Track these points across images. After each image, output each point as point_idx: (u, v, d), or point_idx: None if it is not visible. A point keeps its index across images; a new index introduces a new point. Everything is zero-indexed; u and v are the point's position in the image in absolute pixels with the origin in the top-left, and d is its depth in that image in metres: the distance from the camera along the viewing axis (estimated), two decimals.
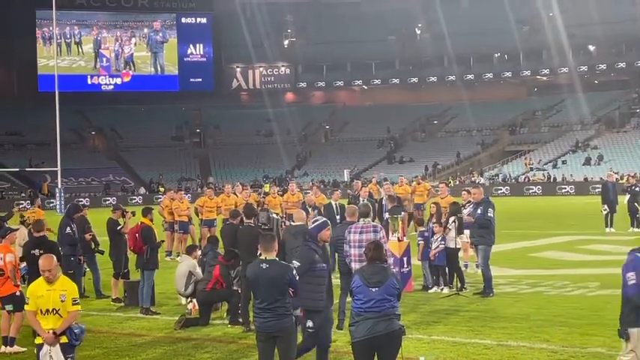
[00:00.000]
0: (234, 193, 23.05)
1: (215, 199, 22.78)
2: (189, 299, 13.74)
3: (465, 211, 15.62)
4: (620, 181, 43.41)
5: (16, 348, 11.11)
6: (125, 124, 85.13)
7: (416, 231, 17.11)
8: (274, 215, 15.12)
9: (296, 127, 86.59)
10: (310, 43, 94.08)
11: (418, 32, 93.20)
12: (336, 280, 11.90)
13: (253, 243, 10.96)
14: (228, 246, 13.28)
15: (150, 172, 75.78)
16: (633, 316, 8.31)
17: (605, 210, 26.20)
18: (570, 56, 79.71)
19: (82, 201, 38.15)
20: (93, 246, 15.86)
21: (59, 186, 54.15)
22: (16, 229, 14.54)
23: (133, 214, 15.63)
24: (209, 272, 13.09)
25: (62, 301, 7.79)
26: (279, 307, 8.04)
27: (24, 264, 13.14)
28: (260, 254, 8.44)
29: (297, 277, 8.85)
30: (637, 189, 26.47)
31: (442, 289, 14.89)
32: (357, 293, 7.59)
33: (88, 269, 15.97)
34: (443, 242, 14.99)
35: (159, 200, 55.36)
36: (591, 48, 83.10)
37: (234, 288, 12.86)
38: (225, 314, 13.09)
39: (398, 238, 14.90)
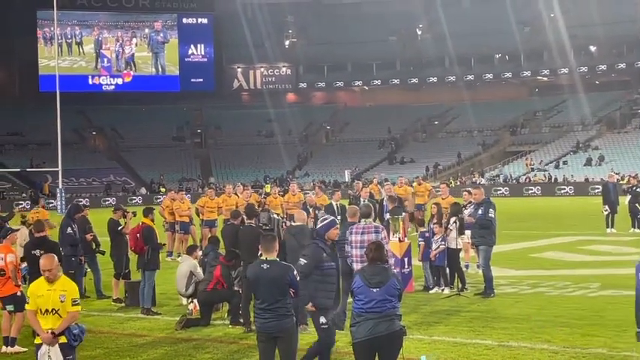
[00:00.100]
0: (235, 194, 23.05)
1: (216, 200, 22.77)
2: (190, 300, 13.74)
3: (466, 212, 15.61)
4: (621, 182, 43.46)
5: (17, 348, 11.12)
6: (126, 125, 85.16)
7: (417, 231, 17.10)
8: (275, 216, 15.14)
9: (297, 127, 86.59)
10: (311, 44, 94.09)
11: (419, 33, 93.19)
12: None
13: (254, 243, 10.95)
14: (229, 246, 13.28)
15: (151, 172, 75.79)
16: None
17: (606, 211, 26.18)
18: (571, 57, 79.68)
19: (81, 201, 38.16)
20: (94, 246, 15.87)
21: (60, 186, 54.18)
22: (17, 230, 14.58)
23: (134, 214, 15.64)
24: (210, 273, 13.09)
25: (62, 301, 7.78)
26: (280, 308, 8.04)
27: (25, 264, 13.16)
28: (261, 254, 8.45)
29: (304, 276, 8.85)
30: (638, 189, 26.42)
31: (443, 290, 14.88)
32: (358, 294, 7.59)
33: (88, 269, 15.98)
34: (443, 243, 14.99)
35: (158, 200, 55.49)
36: (592, 49, 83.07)
37: (235, 288, 12.86)
38: (226, 315, 13.09)
39: (399, 238, 14.91)
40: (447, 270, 15.13)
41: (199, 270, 13.80)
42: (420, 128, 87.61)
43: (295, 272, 8.26)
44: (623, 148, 69.65)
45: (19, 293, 11.28)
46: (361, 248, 10.31)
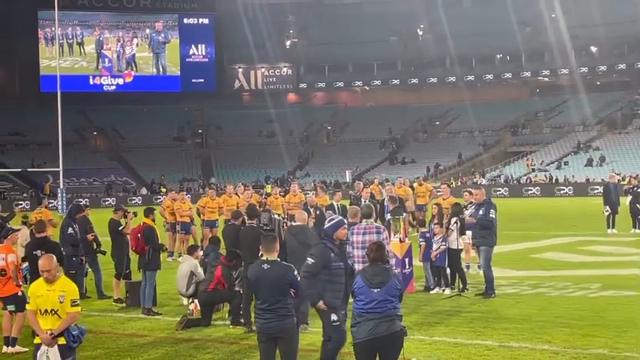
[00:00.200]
0: (236, 194, 23.05)
1: (217, 200, 22.77)
2: (190, 300, 13.75)
3: (467, 212, 15.61)
4: (622, 183, 43.43)
5: (17, 348, 11.12)
6: (127, 125, 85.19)
7: (417, 232, 17.10)
8: (276, 216, 15.13)
9: (298, 127, 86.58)
10: (312, 44, 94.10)
11: (420, 33, 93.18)
12: None
13: (255, 244, 10.94)
14: (229, 246, 13.29)
15: (152, 172, 75.81)
16: None
17: (607, 211, 26.18)
18: (572, 57, 79.64)
19: (81, 201, 38.16)
20: (95, 246, 15.87)
21: (61, 186, 54.17)
22: (18, 230, 14.57)
23: (135, 214, 15.64)
24: (211, 273, 13.09)
25: (61, 302, 7.76)
26: (281, 308, 8.04)
27: (26, 264, 13.17)
28: (261, 255, 8.45)
29: (312, 276, 8.84)
30: (639, 190, 26.42)
31: (444, 290, 14.88)
32: (359, 294, 7.60)
33: (89, 270, 15.98)
34: (444, 243, 14.99)
35: (158, 201, 55.48)
36: (593, 49, 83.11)
37: (236, 289, 12.86)
38: (226, 315, 13.09)
39: (400, 239, 14.92)
40: (448, 270, 15.13)
41: (200, 270, 13.80)
42: (420, 128, 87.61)
43: (296, 272, 8.26)
44: (624, 149, 69.64)
45: (20, 293, 11.28)
46: (362, 249, 10.31)
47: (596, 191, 53.48)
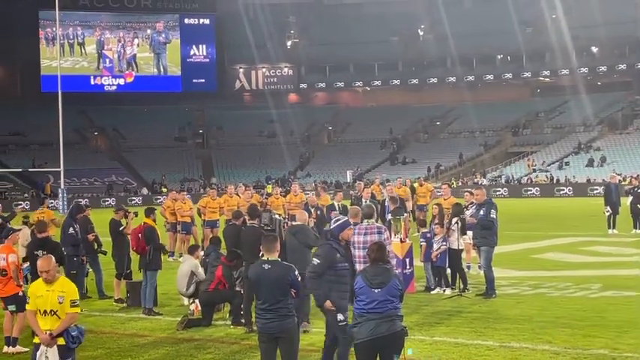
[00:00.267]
0: (237, 194, 23.05)
1: (218, 200, 22.77)
2: (191, 300, 13.75)
3: (468, 213, 15.61)
4: (623, 183, 43.42)
5: (18, 348, 11.13)
6: (128, 125, 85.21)
7: (418, 232, 17.11)
8: (277, 216, 15.11)
9: (299, 128, 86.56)
10: (313, 44, 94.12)
11: (421, 33, 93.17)
12: None
13: (257, 244, 10.93)
14: (230, 247, 13.29)
15: (152, 172, 75.85)
16: None
17: (607, 211, 26.17)
18: (573, 58, 79.59)
19: (81, 201, 38.11)
20: (96, 246, 15.87)
21: (62, 186, 54.19)
22: (19, 230, 14.57)
23: (136, 214, 15.63)
24: (212, 273, 13.09)
25: (60, 302, 7.75)
26: (282, 308, 8.04)
27: (27, 264, 13.17)
28: (262, 255, 8.45)
29: (317, 276, 8.83)
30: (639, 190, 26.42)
31: (444, 291, 14.88)
32: (360, 294, 7.60)
33: (90, 270, 15.99)
34: (444, 243, 14.99)
35: (158, 201, 55.47)
36: (594, 49, 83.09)
37: (237, 289, 12.86)
38: (227, 315, 13.09)
39: (400, 239, 14.91)
40: (449, 271, 15.13)
41: (200, 270, 13.80)
42: (421, 129, 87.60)
43: (297, 272, 8.25)
44: (625, 149, 69.65)
45: (20, 293, 11.28)
46: (364, 249, 10.29)
47: (595, 192, 53.57)
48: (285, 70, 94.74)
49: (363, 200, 19.85)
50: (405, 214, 21.08)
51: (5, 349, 11.19)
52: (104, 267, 16.16)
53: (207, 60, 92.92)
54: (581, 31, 77.45)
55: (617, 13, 77.26)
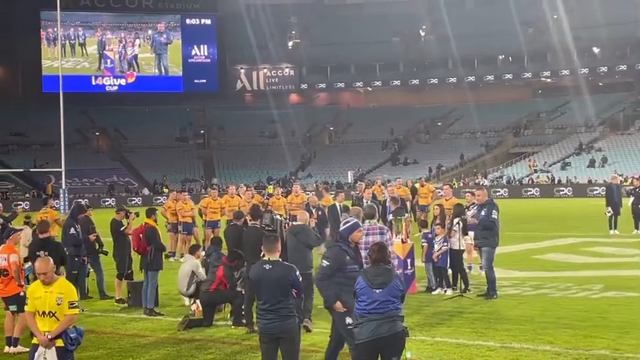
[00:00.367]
0: (238, 195, 23.05)
1: (219, 200, 22.77)
2: (192, 300, 13.75)
3: (469, 213, 15.59)
4: (624, 184, 43.40)
5: (19, 348, 11.12)
6: (129, 125, 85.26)
7: (420, 232, 17.10)
8: (278, 216, 15.13)
9: (300, 128, 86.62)
10: (314, 45, 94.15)
11: (422, 34, 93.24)
12: None
13: (258, 244, 10.94)
14: (231, 247, 13.29)
15: (154, 173, 75.89)
16: None
17: (609, 212, 26.14)
18: (575, 58, 79.60)
19: (81, 201, 38.10)
20: (97, 246, 15.87)
21: (63, 187, 54.19)
22: (20, 230, 14.57)
23: (137, 214, 15.63)
24: (213, 273, 13.09)
25: (58, 304, 7.71)
26: (283, 309, 8.04)
27: (28, 264, 13.17)
28: (263, 255, 8.45)
29: (327, 278, 8.81)
30: None
31: (446, 291, 14.87)
32: (361, 295, 7.59)
33: (91, 270, 15.99)
34: (445, 244, 14.98)
35: (158, 201, 55.49)
36: (596, 50, 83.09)
37: (238, 289, 12.86)
38: (228, 315, 13.09)
39: (402, 239, 14.91)
40: (450, 271, 15.13)
41: (201, 270, 13.80)
42: (423, 129, 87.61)
43: (298, 273, 8.25)
44: (627, 150, 69.63)
45: (22, 293, 11.26)
46: (365, 249, 10.27)
47: (595, 192, 53.60)
48: (287, 70, 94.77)
49: (364, 201, 19.87)
50: (407, 215, 21.08)
51: (6, 349, 11.20)
52: (105, 267, 16.16)
53: (209, 60, 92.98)
54: (582, 31, 77.47)
55: (618, 13, 77.30)
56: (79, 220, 15.24)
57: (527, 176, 67.78)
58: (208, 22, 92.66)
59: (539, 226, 31.31)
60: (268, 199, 24.11)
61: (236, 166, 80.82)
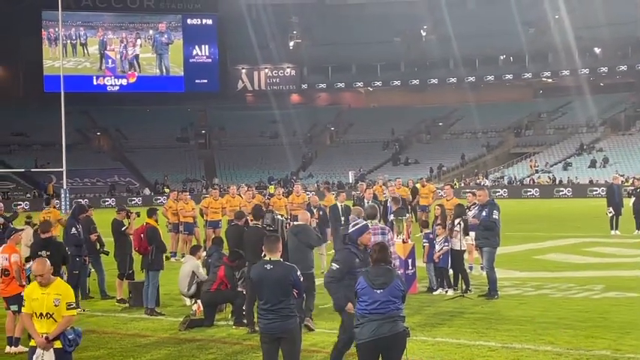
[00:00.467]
0: (239, 195, 23.06)
1: (220, 200, 22.78)
2: (193, 300, 13.75)
3: (470, 213, 15.59)
4: (626, 184, 43.37)
5: (20, 348, 11.13)
6: (130, 125, 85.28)
7: (421, 232, 17.12)
8: (279, 217, 15.14)
9: (301, 128, 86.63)
10: (315, 45, 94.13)
11: (423, 34, 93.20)
12: None
13: (260, 244, 10.94)
14: (233, 247, 13.29)
15: (155, 173, 75.92)
16: None
17: (610, 212, 26.13)
18: (576, 58, 79.56)
19: (80, 201, 38.21)
20: (98, 246, 15.88)
21: (64, 187, 54.26)
22: (22, 230, 14.58)
23: (138, 214, 15.65)
24: (214, 273, 13.10)
25: (56, 305, 7.67)
26: (284, 309, 8.04)
27: (29, 264, 13.16)
28: (264, 255, 8.45)
29: (336, 281, 8.80)
30: None
31: (447, 292, 14.87)
32: (362, 295, 7.59)
33: (93, 270, 16.00)
34: (446, 244, 14.98)
35: (158, 202, 55.46)
36: (597, 50, 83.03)
37: (239, 289, 12.86)
38: (229, 315, 13.10)
39: (403, 239, 14.91)
40: (451, 271, 15.12)
41: (202, 270, 13.81)
42: (424, 129, 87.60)
43: (299, 273, 8.25)
44: (628, 150, 69.57)
45: (23, 293, 11.27)
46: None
47: (594, 193, 53.59)
48: (288, 70, 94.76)
49: (366, 201, 19.87)
50: (408, 215, 21.10)
51: (7, 349, 11.21)
52: (106, 267, 16.18)
53: (210, 60, 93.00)
54: (583, 31, 77.43)
55: (620, 13, 77.26)
56: (80, 220, 15.25)
57: (529, 176, 67.73)
58: (209, 22, 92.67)
59: (540, 226, 31.31)
60: (269, 199, 24.12)
61: (237, 166, 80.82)
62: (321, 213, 19.02)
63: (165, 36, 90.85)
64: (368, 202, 18.35)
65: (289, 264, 8.54)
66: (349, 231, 9.50)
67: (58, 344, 7.69)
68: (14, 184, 68.70)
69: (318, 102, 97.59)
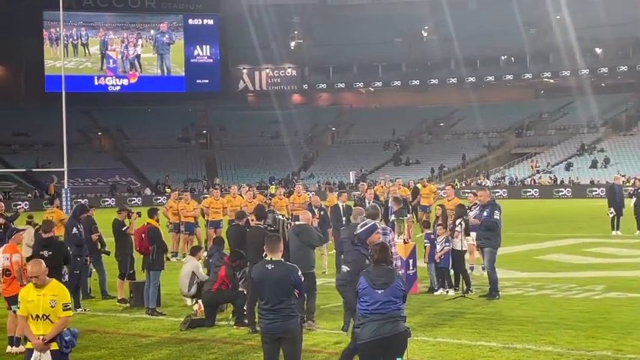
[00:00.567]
0: (240, 195, 23.07)
1: (221, 200, 22.80)
2: (194, 300, 13.76)
3: (471, 214, 15.59)
4: (627, 184, 43.36)
5: (22, 348, 11.11)
6: (132, 125, 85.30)
7: (422, 232, 17.12)
8: (280, 217, 15.14)
9: (302, 128, 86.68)
10: (317, 45, 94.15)
11: (425, 34, 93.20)
12: None
13: (262, 244, 10.95)
14: (234, 247, 13.29)
15: (156, 173, 75.95)
16: None
17: (611, 213, 26.12)
18: (577, 59, 79.52)
19: (80, 201, 38.21)
20: (99, 246, 15.89)
21: (66, 187, 54.26)
22: (23, 230, 14.59)
23: (139, 214, 15.66)
24: (215, 273, 13.10)
25: (52, 306, 7.62)
26: (285, 309, 8.04)
27: None
28: (266, 255, 8.45)
29: (347, 283, 8.79)
30: None
31: (448, 292, 14.87)
32: (363, 295, 7.59)
33: (94, 270, 16.00)
34: (447, 244, 14.98)
35: (158, 202, 55.43)
36: (598, 50, 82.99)
37: (240, 289, 12.87)
38: (230, 315, 13.10)
39: (404, 240, 14.91)
40: (452, 272, 15.12)
41: (202, 270, 13.82)
42: (425, 130, 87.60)
43: (300, 273, 8.25)
44: (629, 151, 69.53)
45: None
46: None
47: (594, 193, 53.57)
48: (289, 70, 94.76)
49: (367, 201, 19.87)
50: (409, 215, 21.08)
51: (9, 349, 11.22)
52: (107, 267, 16.19)
53: (211, 60, 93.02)
54: (585, 32, 77.42)
55: (621, 14, 77.27)
56: (81, 220, 15.25)
57: (530, 177, 67.71)
58: (211, 22, 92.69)
59: (541, 226, 31.30)
60: (270, 199, 24.13)
61: (238, 167, 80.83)
62: (322, 213, 19.03)
63: (167, 36, 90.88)
64: (369, 203, 18.36)
65: (290, 264, 8.53)
66: (358, 231, 9.47)
67: (54, 346, 7.65)
68: (15, 184, 68.73)
69: (320, 102, 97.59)
